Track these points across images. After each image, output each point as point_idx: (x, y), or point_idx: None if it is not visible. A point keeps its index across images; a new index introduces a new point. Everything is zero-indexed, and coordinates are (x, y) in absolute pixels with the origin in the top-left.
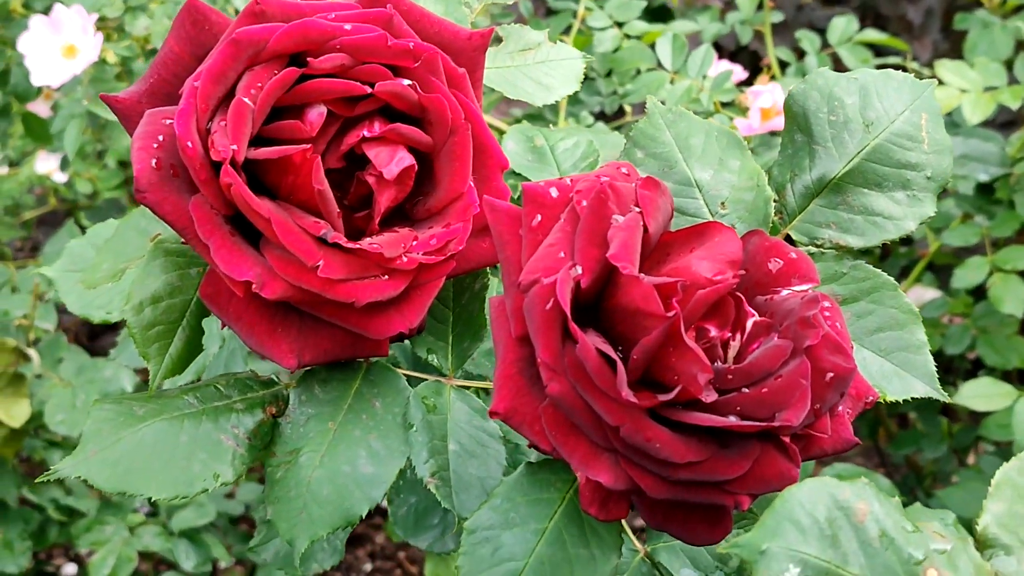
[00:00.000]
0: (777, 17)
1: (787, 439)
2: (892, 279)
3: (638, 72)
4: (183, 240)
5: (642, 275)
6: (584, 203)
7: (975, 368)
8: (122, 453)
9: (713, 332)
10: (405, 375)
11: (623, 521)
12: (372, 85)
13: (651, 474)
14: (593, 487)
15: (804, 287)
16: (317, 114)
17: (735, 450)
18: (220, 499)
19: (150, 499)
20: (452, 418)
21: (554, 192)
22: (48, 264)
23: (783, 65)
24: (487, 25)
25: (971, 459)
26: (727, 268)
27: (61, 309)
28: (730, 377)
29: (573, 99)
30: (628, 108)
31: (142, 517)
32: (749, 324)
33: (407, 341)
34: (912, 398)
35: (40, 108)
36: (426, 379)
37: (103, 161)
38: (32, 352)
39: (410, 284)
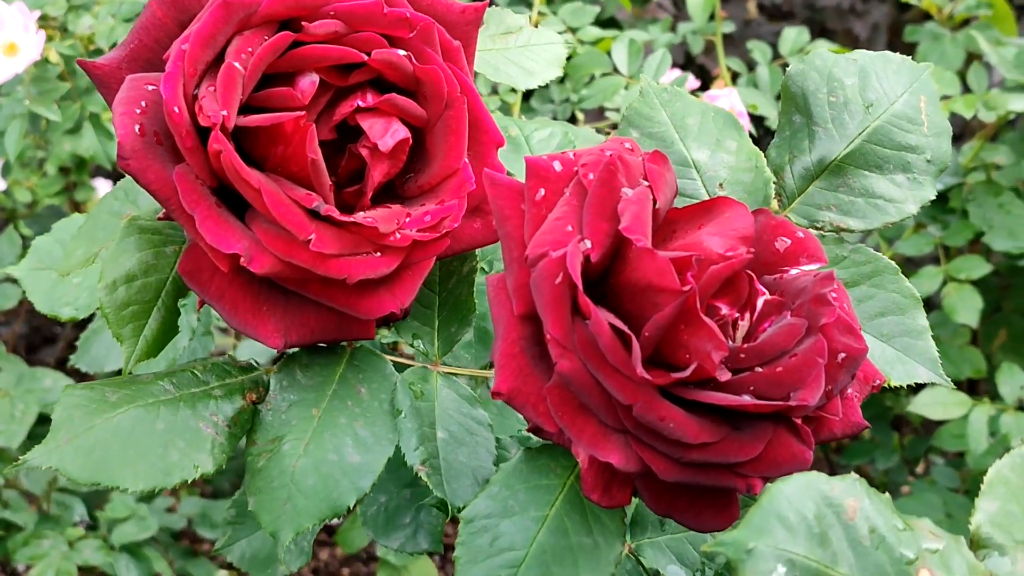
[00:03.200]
0: (729, 27)
1: (799, 420)
2: (893, 263)
3: (592, 78)
4: (164, 213)
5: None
6: (591, 176)
7: None
8: (96, 441)
9: (724, 310)
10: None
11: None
12: (366, 54)
13: (662, 455)
14: (596, 472)
15: (812, 267)
16: (309, 82)
17: (747, 431)
18: (161, 513)
19: (126, 490)
20: (440, 405)
21: (557, 166)
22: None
23: (734, 76)
24: None
25: (920, 470)
26: (739, 244)
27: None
28: (743, 356)
29: (525, 107)
30: (581, 115)
31: (81, 531)
32: (760, 303)
33: (389, 326)
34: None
35: None
36: (410, 364)
37: (43, 170)
38: None
39: (402, 263)
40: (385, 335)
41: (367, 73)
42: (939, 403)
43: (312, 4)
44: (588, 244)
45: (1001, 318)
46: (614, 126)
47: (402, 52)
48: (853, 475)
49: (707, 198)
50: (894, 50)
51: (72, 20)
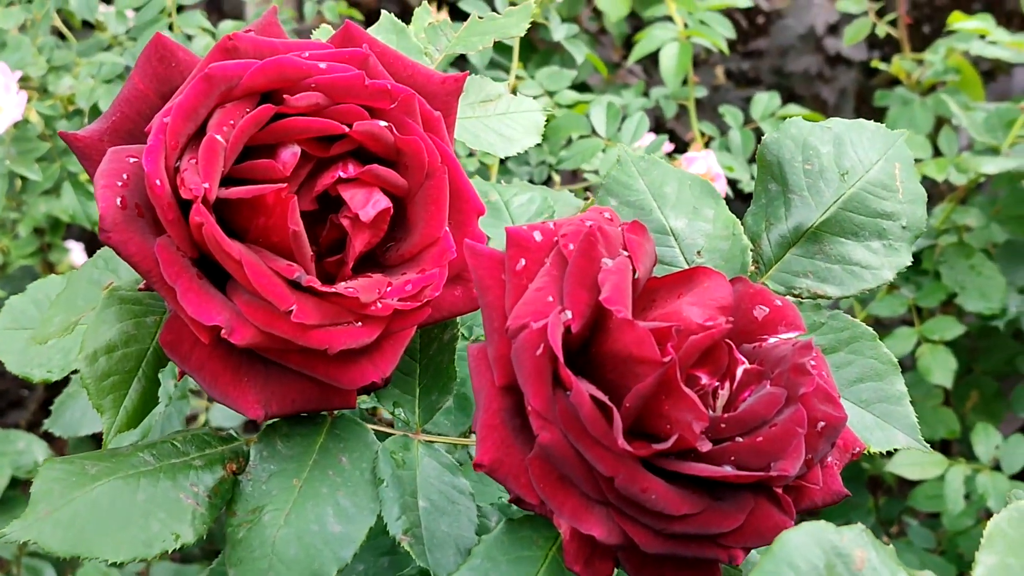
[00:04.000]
0: (701, 92)
1: (780, 490)
2: (870, 329)
3: (569, 140)
4: (145, 285)
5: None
6: (571, 246)
7: None
8: (75, 513)
9: (704, 379)
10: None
11: None
12: (348, 126)
13: (645, 527)
14: (577, 544)
15: (791, 335)
16: (290, 154)
17: (729, 502)
18: None
19: (105, 561)
20: (421, 473)
21: (538, 236)
22: None
23: (708, 141)
24: None
25: (894, 531)
26: (718, 314)
27: None
28: (723, 426)
29: (503, 168)
30: (557, 178)
31: None
32: (739, 372)
33: (370, 393)
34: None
35: None
36: (390, 432)
37: (14, 232)
38: None
39: (383, 332)
40: (364, 400)
41: (348, 144)
42: (916, 463)
43: (293, 76)
44: (569, 315)
45: (973, 379)
46: (588, 188)
47: (383, 123)
48: (859, 525)
49: (685, 266)
50: (862, 115)
51: (52, 81)
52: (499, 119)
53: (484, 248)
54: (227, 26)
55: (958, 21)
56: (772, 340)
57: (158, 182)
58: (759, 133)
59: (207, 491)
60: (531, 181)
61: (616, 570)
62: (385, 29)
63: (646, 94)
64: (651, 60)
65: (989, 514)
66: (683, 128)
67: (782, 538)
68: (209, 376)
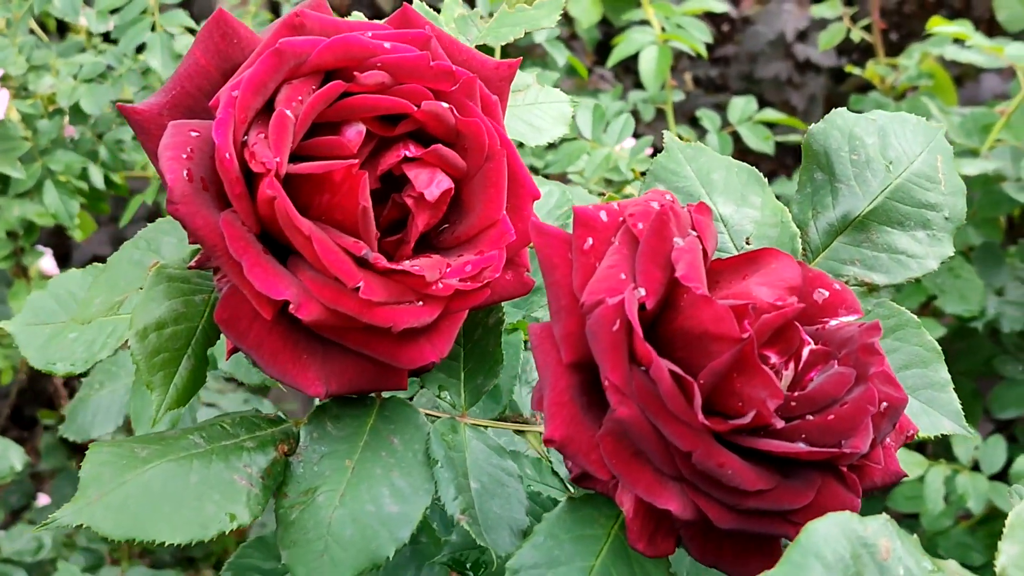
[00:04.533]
0: (679, 96)
1: (845, 469)
2: (915, 317)
3: (552, 143)
4: (196, 261)
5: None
6: (640, 225)
7: None
8: (128, 496)
9: (774, 359)
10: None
11: None
12: (415, 106)
13: (718, 503)
14: (641, 522)
15: (851, 317)
16: (356, 132)
17: (799, 479)
18: None
19: (163, 544)
20: (471, 456)
21: (604, 216)
22: None
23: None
24: None
25: None
26: (787, 294)
27: None
28: (794, 404)
29: None
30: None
31: None
32: (805, 352)
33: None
34: None
35: None
36: (437, 416)
37: None
38: None
39: (441, 312)
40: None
41: (411, 124)
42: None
43: (359, 55)
44: (643, 292)
45: None
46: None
47: (445, 104)
48: (884, 516)
49: (735, 252)
50: None
51: (33, 80)
52: (528, 109)
53: (550, 227)
54: None
55: (937, 25)
56: (833, 323)
57: (227, 155)
58: (736, 137)
59: (260, 472)
60: None
61: (677, 549)
62: None
63: (623, 98)
64: (622, 66)
65: (968, 515)
66: (654, 132)
67: (808, 529)
68: (268, 354)
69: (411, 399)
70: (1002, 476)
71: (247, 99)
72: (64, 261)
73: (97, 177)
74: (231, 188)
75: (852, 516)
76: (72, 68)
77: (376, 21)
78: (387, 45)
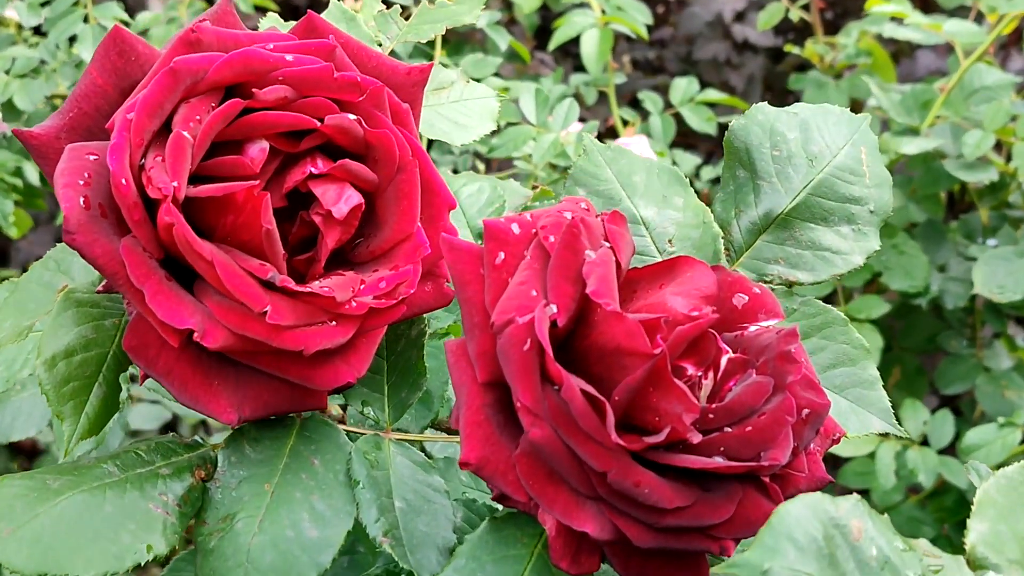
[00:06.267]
0: (620, 79)
1: (767, 479)
2: (842, 315)
3: (497, 128)
4: (104, 286)
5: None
6: (552, 239)
7: None
8: (41, 529)
9: (690, 371)
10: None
11: None
12: (319, 120)
13: (637, 522)
14: (563, 541)
15: (771, 322)
16: (259, 150)
17: (719, 493)
18: None
19: None
20: (395, 473)
21: (516, 228)
22: None
23: (626, 126)
24: None
25: None
26: (703, 303)
27: None
28: (711, 416)
29: None
30: (482, 166)
31: None
32: (724, 361)
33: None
34: None
35: None
36: (357, 432)
37: None
38: None
39: (357, 331)
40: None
41: (317, 138)
42: (846, 441)
43: (260, 69)
44: (554, 308)
45: (894, 356)
46: (515, 176)
47: (352, 116)
48: (855, 496)
49: (657, 255)
50: (769, 101)
51: None
52: (453, 107)
53: (461, 242)
54: (144, 17)
55: (876, 4)
56: (753, 328)
57: (123, 181)
58: (678, 119)
59: (177, 500)
60: (455, 171)
61: (603, 564)
62: (335, 18)
63: (564, 81)
64: (561, 50)
65: (917, 489)
66: (595, 115)
67: (780, 511)
68: (178, 381)
69: (344, 410)
70: (950, 450)
71: (142, 122)
72: (2, 260)
73: (33, 174)
74: (129, 215)
75: (824, 497)
76: (4, 63)
77: (274, 30)
78: (289, 58)
